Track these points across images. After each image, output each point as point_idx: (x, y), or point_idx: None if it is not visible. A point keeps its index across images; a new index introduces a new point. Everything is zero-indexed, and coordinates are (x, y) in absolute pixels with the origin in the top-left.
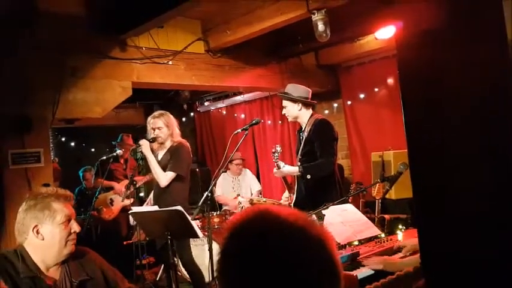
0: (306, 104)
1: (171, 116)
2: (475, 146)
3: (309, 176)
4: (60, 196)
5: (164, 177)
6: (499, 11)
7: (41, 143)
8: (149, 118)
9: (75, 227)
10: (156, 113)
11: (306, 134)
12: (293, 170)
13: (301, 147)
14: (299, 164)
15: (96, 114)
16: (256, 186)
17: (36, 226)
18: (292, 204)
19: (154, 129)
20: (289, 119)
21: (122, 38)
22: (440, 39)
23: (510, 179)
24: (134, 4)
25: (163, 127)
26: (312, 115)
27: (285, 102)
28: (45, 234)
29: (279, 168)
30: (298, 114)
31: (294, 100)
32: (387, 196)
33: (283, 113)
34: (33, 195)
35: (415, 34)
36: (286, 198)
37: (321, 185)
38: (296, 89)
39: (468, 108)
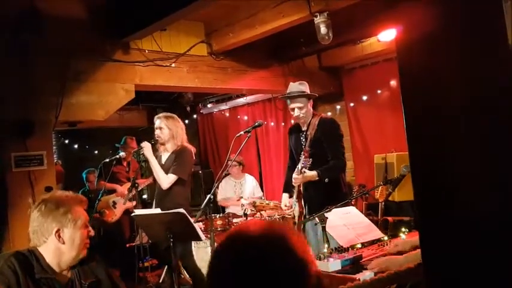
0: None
1: (178, 120)
2: (476, 148)
3: (327, 180)
4: (80, 200)
5: (166, 180)
6: (499, 15)
7: (44, 145)
8: (155, 118)
9: (91, 231)
10: (161, 114)
11: (310, 134)
12: (312, 174)
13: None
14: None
15: (99, 117)
16: (257, 192)
17: (58, 230)
18: (305, 213)
19: (156, 129)
20: (302, 120)
21: (125, 41)
22: (440, 43)
23: (511, 181)
24: (137, 7)
25: (165, 128)
26: (314, 114)
27: (301, 102)
28: (66, 238)
29: (301, 173)
30: (311, 112)
31: (309, 97)
32: (390, 198)
33: (297, 114)
34: (52, 198)
35: (415, 37)
36: (286, 206)
37: (334, 187)
38: (305, 86)
39: (469, 110)
